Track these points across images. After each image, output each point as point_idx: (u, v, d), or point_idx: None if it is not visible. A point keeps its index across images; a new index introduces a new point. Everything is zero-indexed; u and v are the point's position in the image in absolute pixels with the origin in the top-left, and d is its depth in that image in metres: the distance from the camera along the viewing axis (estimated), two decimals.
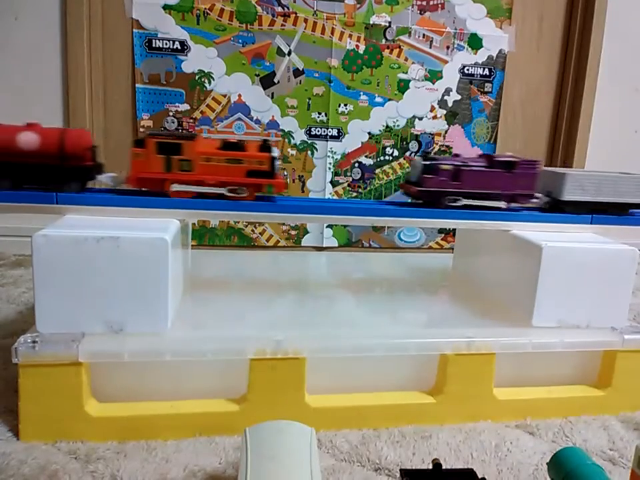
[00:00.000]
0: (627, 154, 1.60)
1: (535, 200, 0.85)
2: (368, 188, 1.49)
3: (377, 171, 1.48)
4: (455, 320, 0.83)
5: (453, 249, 1.09)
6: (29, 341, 0.61)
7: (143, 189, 0.74)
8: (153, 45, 1.29)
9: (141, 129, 1.33)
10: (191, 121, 1.35)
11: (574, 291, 0.79)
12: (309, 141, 1.42)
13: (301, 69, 1.37)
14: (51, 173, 0.70)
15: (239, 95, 1.36)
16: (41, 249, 0.61)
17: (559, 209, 0.85)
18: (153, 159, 0.72)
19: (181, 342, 0.66)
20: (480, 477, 0.54)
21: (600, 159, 1.55)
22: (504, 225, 0.84)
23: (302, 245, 1.50)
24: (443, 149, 1.51)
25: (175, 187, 0.73)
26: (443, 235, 1.57)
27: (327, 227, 1.49)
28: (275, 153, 0.75)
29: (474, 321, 0.82)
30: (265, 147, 0.76)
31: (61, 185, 0.70)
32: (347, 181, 1.47)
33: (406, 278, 1.06)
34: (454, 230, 1.57)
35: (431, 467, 0.56)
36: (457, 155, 0.84)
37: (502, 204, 0.82)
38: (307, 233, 1.49)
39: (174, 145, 0.72)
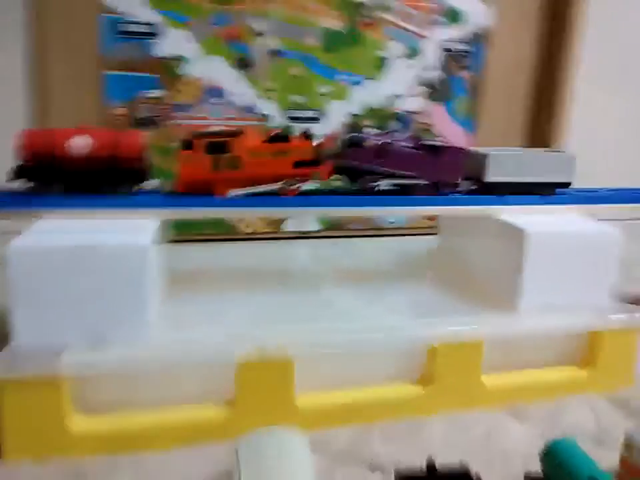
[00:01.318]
0: (612, 127, 1.60)
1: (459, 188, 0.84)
2: None
3: None
4: (442, 307, 0.83)
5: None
6: (8, 356, 0.59)
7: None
8: (122, 29, 1.24)
9: (114, 119, 1.28)
10: (166, 107, 1.30)
11: (559, 274, 0.80)
12: (289, 124, 1.39)
13: (277, 50, 1.33)
14: (103, 177, 0.69)
15: (215, 79, 1.31)
16: (15, 261, 0.59)
17: (484, 190, 0.85)
18: (201, 159, 0.71)
19: (164, 349, 0.65)
20: (474, 473, 0.54)
21: (584, 133, 1.54)
22: (488, 210, 0.83)
23: (283, 230, 1.48)
24: (423, 126, 1.49)
25: (232, 192, 0.72)
26: None
27: None
28: (317, 141, 0.76)
29: (460, 308, 0.82)
30: (307, 135, 0.77)
31: (114, 189, 0.70)
32: None
33: (389, 265, 1.05)
34: None
35: (424, 464, 0.56)
36: (383, 133, 0.82)
37: (426, 182, 0.81)
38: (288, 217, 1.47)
39: (223, 144, 0.71)
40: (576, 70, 1.51)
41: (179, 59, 1.28)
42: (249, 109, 1.36)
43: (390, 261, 1.08)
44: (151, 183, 0.76)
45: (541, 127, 1.56)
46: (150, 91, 1.29)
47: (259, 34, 1.31)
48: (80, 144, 0.67)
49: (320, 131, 1.41)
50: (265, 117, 1.37)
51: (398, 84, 1.44)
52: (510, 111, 1.55)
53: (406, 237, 1.48)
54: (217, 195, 0.73)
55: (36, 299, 0.60)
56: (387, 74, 1.42)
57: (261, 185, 0.75)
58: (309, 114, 1.39)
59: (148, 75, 1.27)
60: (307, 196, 0.78)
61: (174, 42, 1.26)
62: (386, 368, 0.75)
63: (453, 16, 1.42)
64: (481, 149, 0.86)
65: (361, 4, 1.35)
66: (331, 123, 1.42)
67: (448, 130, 1.51)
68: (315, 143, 0.76)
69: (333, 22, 1.35)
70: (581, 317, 0.81)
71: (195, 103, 1.32)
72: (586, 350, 0.83)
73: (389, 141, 0.79)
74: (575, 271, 0.80)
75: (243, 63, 1.32)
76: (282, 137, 0.75)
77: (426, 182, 0.80)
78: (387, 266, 1.05)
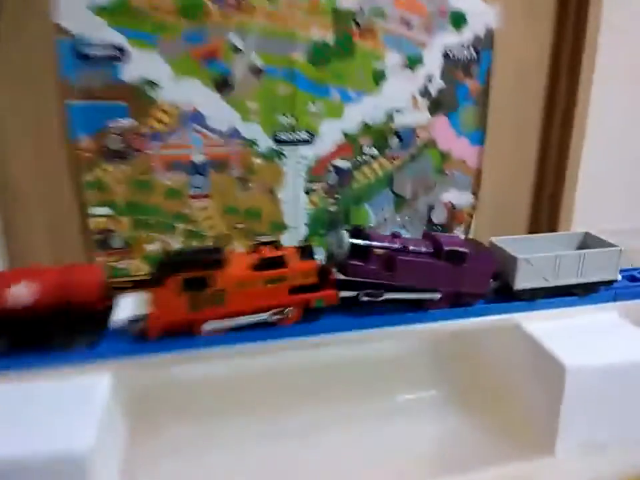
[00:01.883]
0: (629, 133, 1.46)
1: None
2: (346, 193, 1.34)
3: (355, 173, 1.33)
4: (463, 451, 0.69)
5: None
6: None
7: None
8: (84, 53, 1.09)
9: (80, 152, 1.14)
10: (139, 137, 1.17)
11: (605, 409, 0.66)
12: (277, 148, 1.25)
13: (260, 67, 1.18)
14: (54, 327, 0.57)
15: (192, 103, 1.17)
16: None
17: (510, 295, 0.72)
18: (176, 299, 0.60)
19: None
20: None
21: (600, 139, 1.41)
22: (516, 320, 0.70)
23: None
24: (425, 143, 1.35)
25: (208, 326, 0.60)
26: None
27: (304, 239, 1.35)
28: (320, 256, 0.66)
29: (486, 447, 0.69)
30: (306, 251, 0.65)
31: (70, 341, 0.58)
32: (322, 188, 1.32)
33: (396, 366, 0.89)
34: (443, 229, 1.44)
35: None
36: (395, 236, 0.69)
37: (435, 295, 0.67)
38: None
39: (202, 279, 0.60)
40: (591, 71, 1.36)
41: (148, 84, 1.13)
42: (233, 134, 1.22)
43: (395, 358, 0.93)
44: (120, 324, 0.64)
45: (555, 133, 1.42)
46: (119, 120, 1.14)
47: (239, 50, 1.16)
48: (19, 293, 0.54)
49: (312, 153, 1.28)
50: (250, 142, 1.23)
51: (397, 97, 1.29)
52: (521, 119, 1.41)
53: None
54: (197, 334, 0.62)
55: None
56: (385, 87, 1.27)
57: (248, 316, 0.63)
58: (299, 136, 1.26)
59: (115, 102, 1.13)
60: (304, 322, 0.66)
61: (141, 65, 1.12)
62: None
63: (456, 19, 1.26)
64: (508, 246, 0.72)
65: (354, 11, 1.20)
66: (325, 144, 1.28)
67: (453, 144, 1.37)
68: (319, 264, 0.63)
69: (322, 33, 1.20)
70: (628, 458, 0.67)
71: (172, 130, 1.18)
72: None
73: (400, 247, 0.66)
74: (623, 404, 0.67)
75: (222, 84, 1.17)
76: (275, 261, 0.62)
77: (443, 294, 0.67)
78: (393, 368, 0.90)
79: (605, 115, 1.40)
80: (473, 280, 0.68)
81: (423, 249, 0.68)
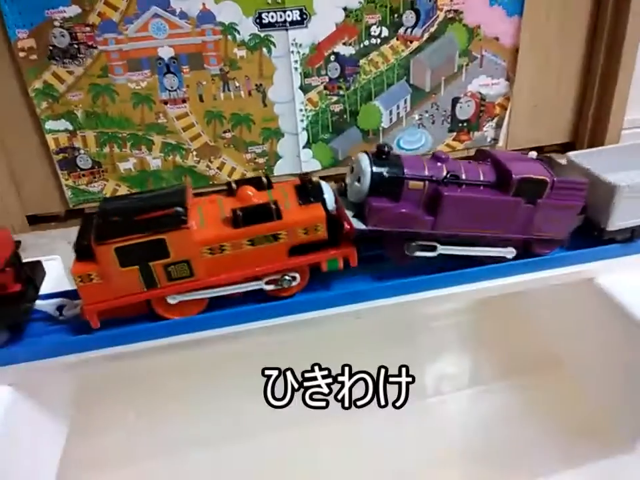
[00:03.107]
0: None
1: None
2: (352, 87, 1.11)
3: (362, 62, 1.09)
4: (520, 444, 0.52)
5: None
6: None
7: None
8: None
9: (21, 54, 0.93)
10: (88, 29, 0.94)
11: None
12: (262, 34, 1.02)
13: None
14: None
15: None
16: None
17: (597, 236, 0.51)
18: (117, 275, 0.42)
19: None
20: None
21: None
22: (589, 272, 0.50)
23: (275, 174, 1.16)
24: (449, 16, 1.08)
25: (174, 298, 0.44)
26: (454, 134, 1.21)
27: (304, 147, 1.14)
28: (330, 197, 0.46)
29: (549, 441, 0.51)
30: (309, 190, 0.45)
31: None
32: (322, 83, 1.09)
33: (428, 334, 0.69)
34: (469, 125, 1.21)
35: None
36: (438, 158, 0.48)
37: (508, 252, 0.48)
38: (280, 158, 1.15)
39: (150, 246, 0.41)
40: None
41: None
42: (205, 18, 0.98)
43: (431, 328, 0.71)
44: (47, 308, 0.47)
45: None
46: (61, 8, 0.92)
47: None
48: None
49: (307, 38, 1.04)
50: (228, 28, 0.99)
51: None
52: None
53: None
54: (160, 315, 0.45)
55: None
56: None
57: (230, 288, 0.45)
58: (289, 16, 1.01)
59: None
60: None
61: None
62: None
63: None
64: (590, 164, 0.50)
65: None
66: (322, 25, 1.03)
67: (484, 16, 1.10)
68: (329, 211, 0.43)
69: None
70: None
71: (128, 18, 0.95)
72: None
73: (447, 176, 0.45)
74: None
75: None
76: (263, 210, 0.43)
77: (508, 244, 0.48)
78: (432, 334, 0.70)
79: None
80: (551, 220, 0.47)
81: (481, 178, 0.47)
